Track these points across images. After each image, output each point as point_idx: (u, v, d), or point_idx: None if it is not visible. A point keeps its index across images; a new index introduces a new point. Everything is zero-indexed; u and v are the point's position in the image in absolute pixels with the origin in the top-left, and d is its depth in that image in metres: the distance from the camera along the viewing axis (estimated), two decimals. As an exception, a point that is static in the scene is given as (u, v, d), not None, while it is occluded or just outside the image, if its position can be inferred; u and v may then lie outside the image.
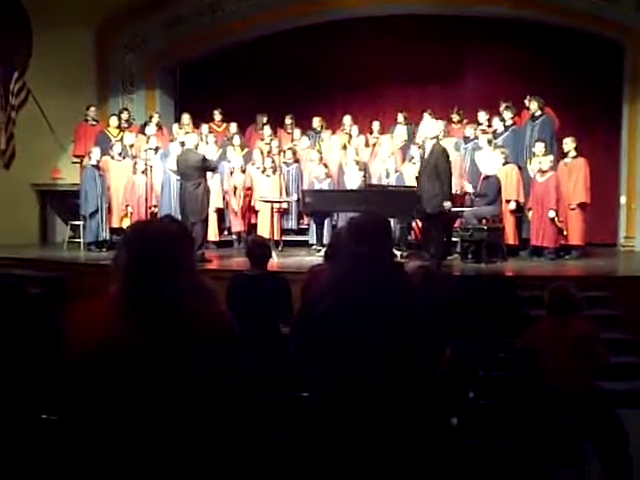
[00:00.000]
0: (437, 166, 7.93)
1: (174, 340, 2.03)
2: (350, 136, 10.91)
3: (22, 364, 2.13)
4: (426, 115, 9.29)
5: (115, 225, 10.19)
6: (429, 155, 8.09)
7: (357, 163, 10.11)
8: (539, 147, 9.13)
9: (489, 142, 9.50)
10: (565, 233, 9.04)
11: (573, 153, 9.10)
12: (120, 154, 10.27)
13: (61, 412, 2.43)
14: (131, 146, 10.49)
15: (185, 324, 2.06)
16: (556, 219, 8.85)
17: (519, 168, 9.42)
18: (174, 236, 2.16)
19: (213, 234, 10.24)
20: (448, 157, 8.16)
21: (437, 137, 8.27)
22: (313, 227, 10.06)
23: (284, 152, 10.83)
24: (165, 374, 2.00)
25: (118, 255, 2.10)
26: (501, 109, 10.09)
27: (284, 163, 10.73)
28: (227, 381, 2.15)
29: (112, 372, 1.98)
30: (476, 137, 10.05)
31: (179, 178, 9.40)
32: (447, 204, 7.97)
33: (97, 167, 9.92)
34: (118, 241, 2.25)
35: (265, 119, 11.33)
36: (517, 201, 9.25)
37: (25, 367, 2.17)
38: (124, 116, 11.02)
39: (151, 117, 11.15)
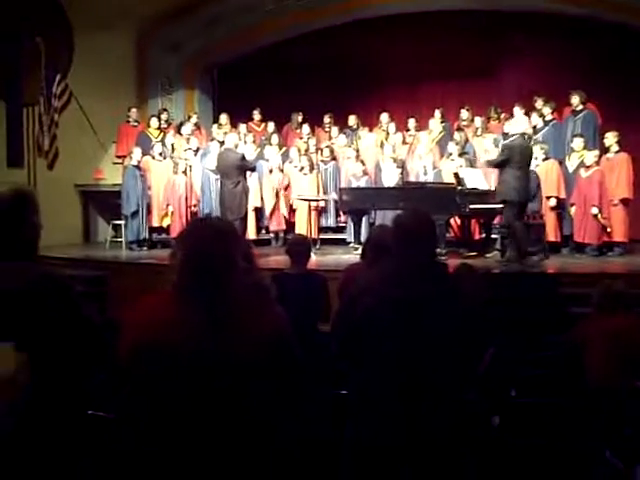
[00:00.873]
0: (520, 159, 7.85)
1: (231, 337, 2.05)
2: (387, 133, 10.88)
3: (71, 361, 2.18)
4: (517, 109, 9.15)
5: (155, 224, 10.34)
6: (513, 149, 7.97)
7: (394, 160, 10.08)
8: (577, 142, 9.00)
9: (529, 138, 9.36)
10: (609, 230, 8.88)
11: (615, 148, 8.94)
12: (160, 154, 10.41)
13: (115, 410, 2.49)
14: (167, 145, 10.62)
15: (242, 321, 2.09)
16: (599, 215, 8.71)
17: (559, 164, 9.29)
18: (229, 233, 2.20)
19: (251, 233, 10.32)
20: (531, 153, 8.12)
21: (525, 133, 8.19)
22: (351, 225, 10.06)
23: (321, 150, 10.85)
24: (222, 371, 2.03)
25: (175, 253, 2.14)
26: (538, 105, 9.94)
27: (321, 161, 10.75)
28: (282, 377, 2.17)
29: (168, 369, 2.01)
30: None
31: (218, 177, 9.52)
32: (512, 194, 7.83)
33: (138, 167, 10.07)
34: (177, 238, 2.30)
35: (300, 117, 11.37)
36: (558, 197, 9.12)
37: (74, 364, 2.22)
38: (163, 117, 11.17)
39: (189, 117, 11.28)
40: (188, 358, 2.01)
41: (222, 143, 10.27)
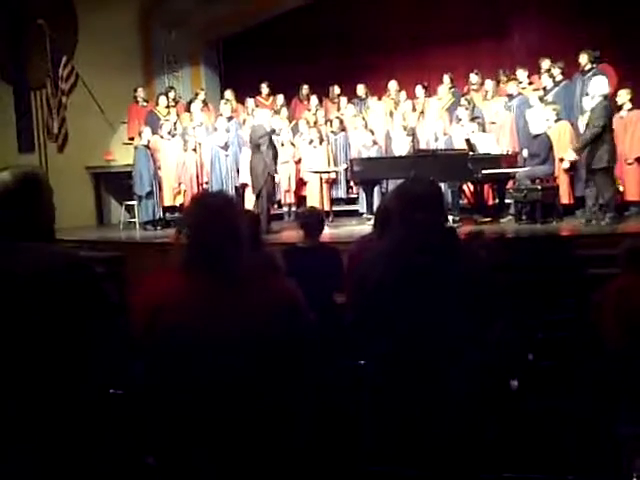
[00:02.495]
0: (591, 120, 7.78)
1: (240, 310, 2.07)
2: (396, 102, 10.78)
3: (91, 340, 2.20)
4: (596, 71, 9.04)
5: (168, 203, 10.35)
6: (592, 111, 7.91)
7: (404, 128, 10.00)
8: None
9: (540, 99, 9.25)
10: (622, 189, 8.78)
11: (628, 105, 8.78)
12: (169, 133, 10.38)
13: (128, 386, 2.52)
14: (175, 123, 10.59)
15: (250, 294, 2.10)
16: (613, 175, 8.61)
17: (571, 125, 9.16)
18: (231, 208, 2.21)
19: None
20: (608, 115, 7.94)
21: (605, 95, 7.99)
22: (362, 196, 10.02)
23: (331, 122, 10.77)
24: (233, 344, 2.05)
25: (180, 230, 2.16)
26: (544, 65, 9.78)
27: (331, 132, 10.68)
28: (295, 348, 2.18)
29: (179, 345, 2.03)
30: (520, 94, 9.81)
31: (228, 153, 9.61)
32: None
33: (148, 147, 10.06)
34: (180, 216, 2.32)
35: (306, 89, 11.26)
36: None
37: (94, 343, 2.24)
38: (171, 95, 11.12)
39: (197, 94, 11.23)
40: (199, 333, 2.03)
41: (229, 119, 10.26)
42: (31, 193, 2.19)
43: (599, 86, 7.99)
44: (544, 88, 9.59)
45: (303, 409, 2.33)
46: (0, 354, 2.03)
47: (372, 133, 10.19)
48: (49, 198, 2.26)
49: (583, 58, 9.33)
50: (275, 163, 9.13)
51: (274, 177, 9.23)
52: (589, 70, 9.30)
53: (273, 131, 9.13)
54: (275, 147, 9.19)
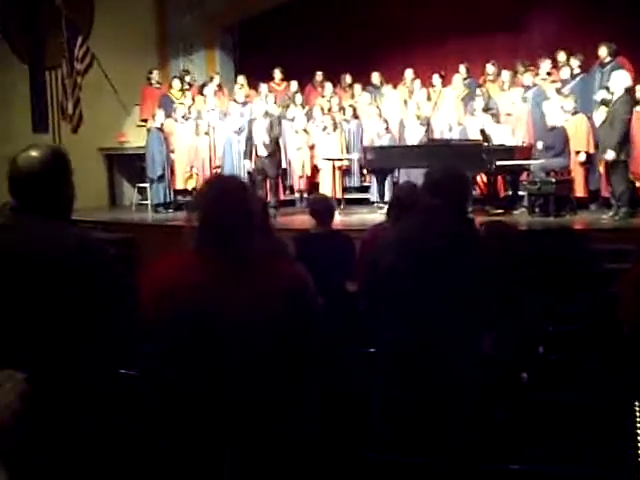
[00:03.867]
0: (615, 116, 7.74)
1: (248, 293, 2.07)
2: (411, 91, 10.70)
3: (101, 322, 2.20)
4: (614, 64, 8.99)
5: (180, 187, 10.37)
6: (613, 104, 7.88)
7: (418, 118, 9.93)
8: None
9: (557, 91, 9.17)
10: (638, 184, 8.70)
11: (646, 100, 8.69)
12: (183, 117, 10.37)
13: (140, 366, 2.53)
14: (189, 107, 10.57)
15: (259, 277, 2.10)
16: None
17: (588, 118, 9.08)
18: (242, 191, 2.21)
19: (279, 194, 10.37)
20: (630, 110, 7.93)
21: (626, 88, 7.91)
22: (375, 184, 9.99)
23: (344, 110, 10.71)
24: (244, 327, 2.05)
25: (191, 213, 2.16)
26: (561, 57, 9.70)
27: (344, 120, 10.63)
28: (304, 332, 2.18)
29: (190, 328, 2.04)
30: (535, 84, 9.73)
31: (240, 138, 9.68)
32: (610, 154, 7.72)
33: (162, 130, 10.06)
34: (191, 200, 2.33)
35: (320, 76, 11.20)
36: (587, 152, 8.93)
37: (103, 325, 2.24)
38: (187, 79, 11.10)
39: (211, 78, 11.20)
40: (211, 314, 2.03)
41: (244, 104, 10.26)
42: (58, 172, 2.20)
43: (622, 80, 7.91)
44: (562, 80, 9.50)
45: (312, 394, 2.33)
46: (10, 333, 2.04)
47: (386, 122, 10.14)
48: (71, 177, 2.27)
49: (602, 51, 9.23)
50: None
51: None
52: (608, 63, 9.20)
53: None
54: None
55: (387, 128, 10.08)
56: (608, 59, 9.21)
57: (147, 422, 2.59)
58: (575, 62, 9.57)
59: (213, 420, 2.08)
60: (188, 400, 2.10)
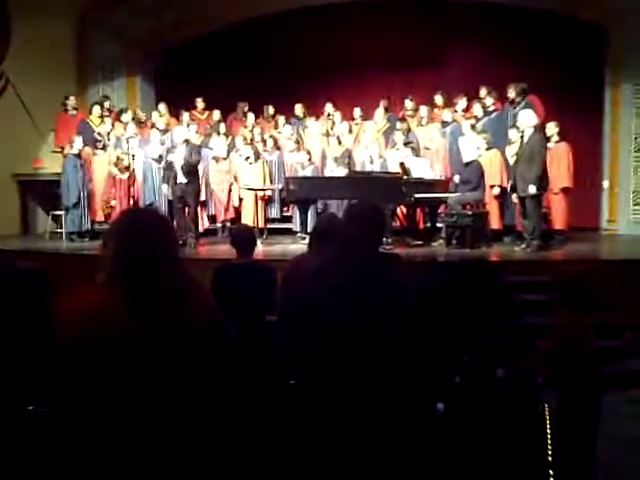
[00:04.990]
0: (532, 152, 7.98)
1: (176, 326, 2.03)
2: (333, 123, 10.87)
3: (18, 351, 2.11)
4: (525, 103, 9.30)
5: (98, 216, 10.15)
6: (527, 141, 8.14)
7: (335, 160, 10.05)
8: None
9: (472, 127, 9.50)
10: (549, 218, 9.08)
11: (556, 138, 9.11)
12: (100, 142, 10.18)
13: (51, 403, 2.42)
14: (108, 133, 10.40)
15: (184, 310, 2.07)
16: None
17: (501, 153, 9.43)
18: (162, 224, 2.18)
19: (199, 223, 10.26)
20: (545, 145, 8.25)
21: (535, 126, 8.23)
22: (297, 215, 10.03)
23: (265, 142, 10.73)
24: (166, 360, 2.01)
25: (106, 244, 2.10)
26: (482, 93, 10.10)
27: (265, 151, 10.65)
28: (223, 368, 2.16)
29: (110, 360, 1.97)
30: (454, 120, 10.07)
31: (160, 166, 9.60)
32: (532, 188, 7.96)
33: (79, 156, 9.82)
34: (105, 230, 2.26)
35: (246, 107, 11.25)
36: (501, 186, 9.26)
37: (20, 354, 2.15)
38: (106, 104, 10.90)
39: (126, 109, 11.07)
40: (124, 348, 1.97)
41: (165, 132, 10.17)
42: None
43: (527, 119, 8.28)
44: (475, 117, 9.86)
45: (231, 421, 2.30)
46: None
47: (308, 153, 10.24)
48: None
49: (511, 92, 9.65)
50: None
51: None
52: (518, 102, 9.61)
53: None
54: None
55: (310, 159, 10.17)
56: (518, 99, 9.61)
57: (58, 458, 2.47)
58: (490, 100, 9.95)
59: (131, 457, 2.00)
60: (105, 434, 2.03)
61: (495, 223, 9.26)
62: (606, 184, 10.74)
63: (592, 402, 3.99)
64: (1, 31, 10.66)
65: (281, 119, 11.15)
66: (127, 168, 9.93)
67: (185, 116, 10.79)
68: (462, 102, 10.28)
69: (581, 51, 10.80)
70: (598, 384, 4.03)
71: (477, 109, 9.91)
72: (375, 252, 2.77)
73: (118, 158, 10.02)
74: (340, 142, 10.36)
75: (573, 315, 4.08)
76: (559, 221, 9.11)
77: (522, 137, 8.43)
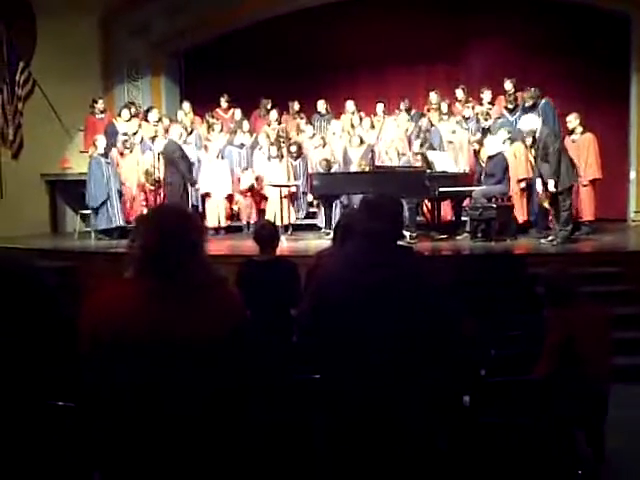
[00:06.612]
0: (546, 148, 7.91)
1: (193, 321, 2.06)
2: (359, 118, 10.82)
3: (40, 352, 2.16)
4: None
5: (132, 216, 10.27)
6: (538, 138, 8.07)
7: (360, 159, 10.07)
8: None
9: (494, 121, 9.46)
10: (546, 206, 8.92)
11: (579, 129, 8.99)
12: (127, 142, 10.27)
13: (78, 399, 2.47)
14: (134, 133, 10.50)
15: (211, 307, 2.10)
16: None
17: (525, 146, 9.33)
18: (189, 219, 2.21)
19: (223, 220, 10.31)
20: (556, 138, 8.13)
21: (534, 130, 8.15)
22: (321, 210, 10.05)
23: (289, 143, 10.64)
24: (185, 356, 2.03)
25: (134, 241, 2.14)
26: (506, 86, 10.02)
27: (289, 154, 10.57)
28: (247, 366, 2.18)
29: (130, 356, 2.00)
30: (476, 116, 10.04)
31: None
32: (551, 184, 7.86)
33: (104, 155, 9.90)
34: (133, 228, 2.30)
35: (269, 104, 11.26)
36: (527, 179, 9.17)
37: (42, 355, 2.20)
38: (133, 110, 10.99)
39: (152, 107, 11.18)
40: (151, 344, 2.00)
41: (190, 132, 10.28)
42: None
43: (527, 124, 8.24)
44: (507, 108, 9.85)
45: (252, 418, 2.32)
46: None
47: (331, 151, 10.27)
48: None
49: (528, 99, 9.59)
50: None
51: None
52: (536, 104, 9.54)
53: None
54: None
55: (332, 157, 10.20)
56: (530, 102, 9.58)
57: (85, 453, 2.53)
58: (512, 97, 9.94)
59: (154, 451, 2.04)
60: (129, 430, 2.06)
61: (521, 215, 9.20)
62: (633, 174, 10.59)
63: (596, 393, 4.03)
64: (28, 32, 10.84)
65: (302, 122, 11.08)
66: (157, 181, 9.96)
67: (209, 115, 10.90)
68: (487, 94, 10.21)
69: (605, 40, 10.64)
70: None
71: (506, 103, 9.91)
72: (393, 245, 2.77)
73: (147, 172, 10.08)
74: (362, 141, 10.34)
75: (561, 310, 4.17)
76: (586, 212, 9.01)
77: (534, 137, 8.34)
